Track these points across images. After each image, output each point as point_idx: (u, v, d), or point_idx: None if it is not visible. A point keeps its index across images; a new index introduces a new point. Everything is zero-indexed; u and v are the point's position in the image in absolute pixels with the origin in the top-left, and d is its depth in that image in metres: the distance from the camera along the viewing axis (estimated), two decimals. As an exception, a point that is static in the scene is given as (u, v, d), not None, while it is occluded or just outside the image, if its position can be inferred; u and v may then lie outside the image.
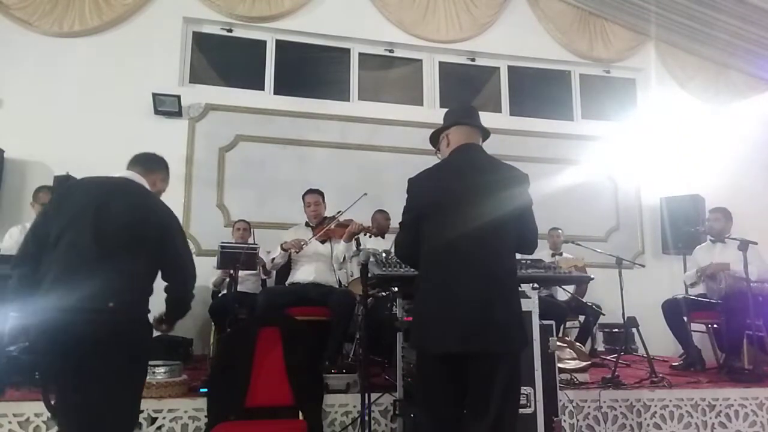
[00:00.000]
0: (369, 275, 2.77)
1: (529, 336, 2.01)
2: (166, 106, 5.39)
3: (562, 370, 3.23)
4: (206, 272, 4.07)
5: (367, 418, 2.81)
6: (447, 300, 1.87)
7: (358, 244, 3.93)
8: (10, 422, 2.72)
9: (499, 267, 1.92)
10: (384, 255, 2.81)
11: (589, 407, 3.22)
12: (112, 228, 1.99)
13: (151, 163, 2.45)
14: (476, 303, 1.83)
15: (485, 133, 2.19)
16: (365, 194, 4.18)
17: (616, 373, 3.50)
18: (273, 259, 4.03)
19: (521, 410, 2.60)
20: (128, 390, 1.99)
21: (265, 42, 6.03)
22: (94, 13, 5.43)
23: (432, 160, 2.21)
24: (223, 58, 5.99)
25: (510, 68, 6.58)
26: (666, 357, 4.92)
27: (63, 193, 2.16)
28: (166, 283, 2.18)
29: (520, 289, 2.71)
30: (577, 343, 4.15)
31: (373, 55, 6.30)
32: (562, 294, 4.91)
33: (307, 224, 4.17)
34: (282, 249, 3.95)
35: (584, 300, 4.98)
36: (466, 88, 6.54)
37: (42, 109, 5.17)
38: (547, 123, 6.41)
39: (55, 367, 1.91)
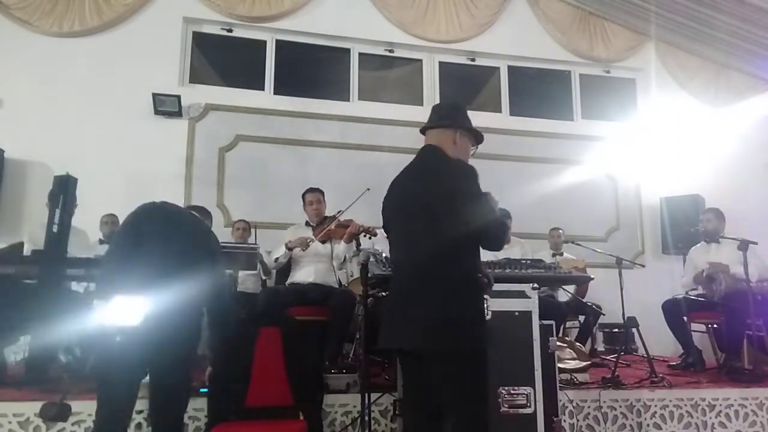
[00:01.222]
0: (369, 275, 2.77)
1: (482, 336, 1.86)
2: (166, 106, 5.40)
3: (562, 370, 3.23)
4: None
5: (367, 418, 2.81)
6: (392, 302, 2.01)
7: (358, 244, 3.92)
8: (10, 422, 2.72)
9: (435, 269, 1.89)
10: (384, 255, 2.81)
11: (589, 407, 3.22)
12: (190, 244, 2.43)
13: (205, 211, 3.06)
14: (406, 304, 1.92)
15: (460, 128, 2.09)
16: (368, 189, 4.16)
17: (616, 373, 3.49)
18: (276, 258, 4.02)
19: (521, 410, 2.62)
20: None
21: (265, 42, 6.03)
22: (94, 13, 5.43)
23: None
24: (223, 58, 6.00)
25: (510, 68, 6.58)
26: (666, 357, 4.91)
27: (145, 212, 2.47)
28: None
29: (515, 288, 2.74)
30: (577, 343, 4.14)
31: (373, 55, 6.30)
32: (563, 294, 4.90)
33: (307, 223, 4.16)
34: (287, 248, 3.93)
35: (584, 300, 4.98)
36: (466, 88, 6.54)
37: (42, 109, 5.18)
38: (547, 123, 6.41)
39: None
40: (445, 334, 1.82)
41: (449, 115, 2.10)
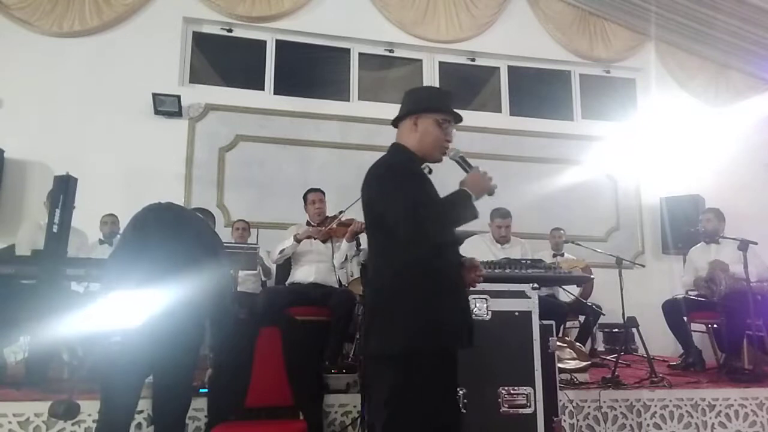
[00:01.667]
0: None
1: (404, 340, 1.71)
2: (166, 106, 5.39)
3: (562, 370, 3.23)
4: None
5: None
6: None
7: (359, 243, 3.92)
8: (10, 422, 2.72)
9: (372, 272, 1.89)
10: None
11: (589, 407, 3.22)
12: (195, 245, 2.45)
13: (208, 213, 3.22)
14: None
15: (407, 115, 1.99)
16: None
17: (616, 373, 3.49)
18: (282, 250, 4.00)
19: (521, 410, 2.62)
20: None
21: (265, 42, 6.03)
22: (94, 13, 5.43)
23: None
24: (223, 58, 5.99)
25: (510, 68, 6.57)
26: (666, 357, 4.91)
27: (151, 212, 2.50)
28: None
29: (519, 288, 2.74)
30: (577, 343, 4.14)
31: (373, 55, 6.30)
32: (564, 294, 4.90)
33: (308, 223, 4.16)
34: (296, 240, 3.93)
35: (585, 300, 4.98)
36: (466, 88, 6.53)
37: (42, 109, 5.18)
38: (547, 123, 6.41)
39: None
40: (371, 337, 1.80)
41: (406, 104, 1.99)
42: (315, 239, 3.92)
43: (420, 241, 1.74)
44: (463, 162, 1.95)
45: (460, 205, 1.80)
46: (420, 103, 1.97)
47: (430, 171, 1.98)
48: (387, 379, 1.73)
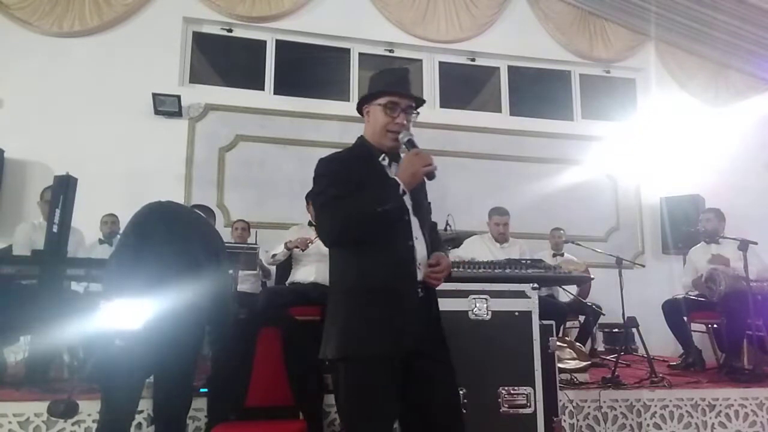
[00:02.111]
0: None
1: (340, 345, 1.69)
2: (166, 106, 5.40)
3: (562, 370, 3.23)
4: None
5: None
6: None
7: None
8: (10, 422, 2.72)
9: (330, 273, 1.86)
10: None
11: (589, 407, 3.22)
12: (196, 245, 2.43)
13: (209, 210, 3.21)
14: None
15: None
16: None
17: (616, 373, 3.49)
18: (274, 255, 4.00)
19: (521, 410, 2.62)
20: None
21: (265, 42, 6.03)
22: (94, 13, 5.43)
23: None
24: (223, 58, 6.00)
25: (510, 68, 6.57)
26: (666, 357, 4.91)
27: (152, 212, 2.47)
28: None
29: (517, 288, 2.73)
30: (577, 343, 4.14)
31: (373, 55, 6.30)
32: (564, 294, 4.90)
33: (309, 224, 4.16)
34: (286, 248, 3.93)
35: (584, 300, 4.98)
36: (466, 88, 6.54)
37: (42, 109, 5.18)
38: (547, 123, 6.41)
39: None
40: (329, 341, 1.76)
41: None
42: (303, 250, 3.90)
43: (329, 239, 1.75)
44: (409, 146, 1.74)
45: (381, 199, 1.64)
46: (367, 91, 1.85)
47: (390, 163, 1.81)
48: (336, 382, 1.73)
